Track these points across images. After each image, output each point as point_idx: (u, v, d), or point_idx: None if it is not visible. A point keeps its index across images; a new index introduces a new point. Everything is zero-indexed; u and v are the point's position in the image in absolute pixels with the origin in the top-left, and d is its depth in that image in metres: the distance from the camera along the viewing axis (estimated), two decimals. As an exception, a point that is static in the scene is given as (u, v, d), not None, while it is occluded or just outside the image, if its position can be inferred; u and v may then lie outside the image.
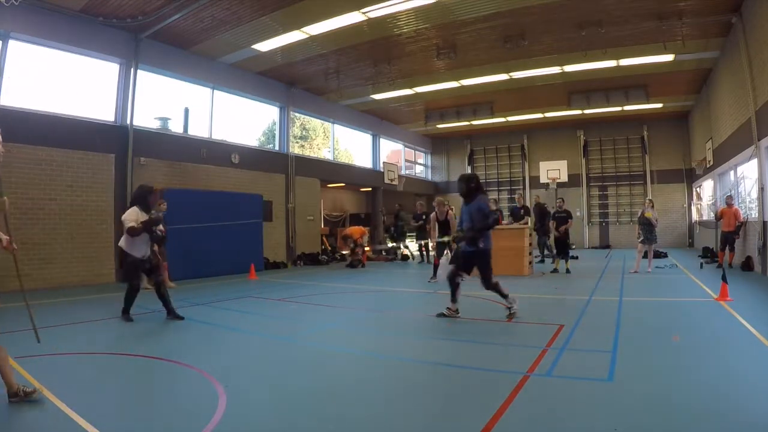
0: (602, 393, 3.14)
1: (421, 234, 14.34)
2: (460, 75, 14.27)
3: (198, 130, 12.70)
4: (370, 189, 19.84)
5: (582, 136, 20.73)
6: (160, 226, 5.95)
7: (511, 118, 19.50)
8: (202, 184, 12.05)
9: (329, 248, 16.62)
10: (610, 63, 13.03)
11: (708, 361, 3.81)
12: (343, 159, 19.80)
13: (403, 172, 21.03)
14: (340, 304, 7.37)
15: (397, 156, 22.88)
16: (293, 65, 13.29)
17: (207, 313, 6.51)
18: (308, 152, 19.81)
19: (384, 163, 19.47)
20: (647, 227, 10.11)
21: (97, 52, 10.12)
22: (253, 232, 12.52)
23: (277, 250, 14.20)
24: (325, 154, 20.51)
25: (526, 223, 11.12)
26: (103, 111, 10.44)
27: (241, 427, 2.71)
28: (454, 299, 5.75)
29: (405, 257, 15.60)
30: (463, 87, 15.38)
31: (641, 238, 10.23)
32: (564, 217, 10.66)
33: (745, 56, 9.78)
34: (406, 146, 22.57)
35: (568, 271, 10.50)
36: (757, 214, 10.02)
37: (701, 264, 11.17)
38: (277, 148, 15.13)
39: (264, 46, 11.66)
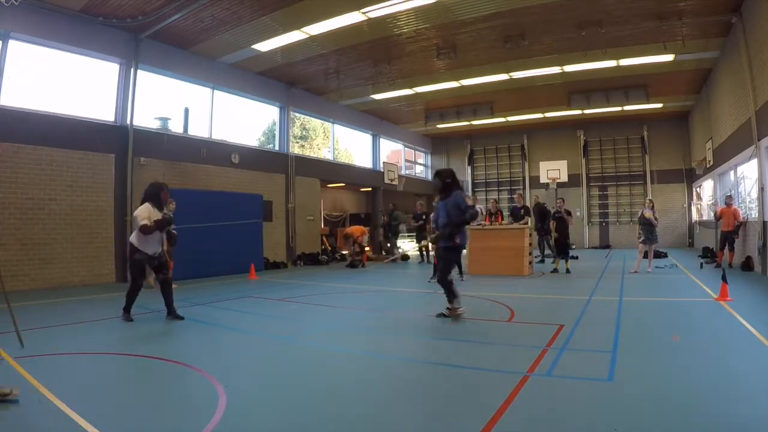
0: (602, 393, 3.14)
1: (421, 234, 14.35)
2: (460, 75, 14.28)
3: (198, 130, 12.71)
4: (370, 189, 19.84)
5: (582, 136, 20.74)
6: (173, 228, 5.91)
7: (511, 118, 19.50)
8: (202, 184, 12.05)
9: (329, 248, 16.62)
10: (610, 63, 13.03)
11: (708, 361, 3.80)
12: (343, 159, 19.80)
13: (403, 172, 21.03)
14: (340, 304, 7.37)
15: (397, 156, 22.88)
16: (293, 65, 13.30)
17: (207, 313, 6.51)
18: (308, 152, 19.80)
19: (384, 163, 19.48)
20: (648, 227, 10.11)
21: (97, 52, 10.13)
22: (253, 232, 12.52)
23: (277, 250, 14.20)
24: (325, 154, 20.50)
25: (526, 223, 11.11)
26: (103, 111, 10.44)
27: (241, 427, 2.71)
28: (450, 300, 5.73)
29: (405, 257, 15.60)
30: (463, 87, 15.38)
31: (642, 238, 10.23)
32: (561, 217, 10.66)
33: (745, 56, 9.78)
34: (406, 146, 22.57)
35: (568, 271, 10.50)
36: (757, 214, 10.02)
37: (701, 264, 11.17)
38: (277, 148, 15.13)
39: (264, 46, 11.66)
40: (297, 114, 16.64)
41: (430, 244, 13.32)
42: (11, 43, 8.90)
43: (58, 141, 9.36)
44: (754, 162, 9.96)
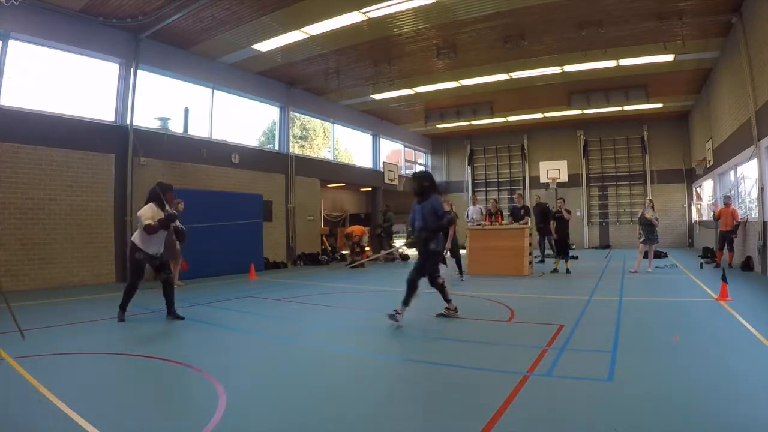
0: (602, 393, 3.14)
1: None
2: (460, 75, 14.28)
3: (198, 130, 12.71)
4: (370, 189, 19.85)
5: (582, 136, 20.74)
6: (178, 223, 5.88)
7: (511, 118, 19.50)
8: (202, 184, 12.05)
9: (329, 248, 16.62)
10: (610, 63, 13.03)
11: (708, 361, 3.80)
12: (343, 159, 19.80)
13: (403, 172, 21.03)
14: (340, 304, 7.37)
15: (397, 156, 22.88)
16: (293, 65, 13.29)
17: (207, 313, 6.51)
18: (308, 152, 19.81)
19: (384, 163, 19.49)
20: (648, 227, 10.11)
21: (97, 52, 10.13)
22: (253, 232, 12.52)
23: (277, 250, 14.20)
24: (325, 154, 20.51)
25: (526, 223, 11.11)
26: (103, 111, 10.44)
27: (241, 427, 2.70)
28: (446, 299, 5.72)
29: (405, 257, 15.59)
30: (463, 87, 15.38)
31: (642, 239, 10.23)
32: (561, 217, 10.66)
33: (745, 56, 9.78)
34: (406, 146, 22.57)
35: (568, 271, 10.50)
36: (757, 214, 10.02)
37: (701, 264, 11.17)
38: (277, 148, 15.13)
39: (264, 46, 11.66)
40: (297, 114, 16.64)
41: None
42: (11, 43, 8.90)
43: (58, 141, 9.36)
44: (754, 162, 9.96)
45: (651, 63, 12.99)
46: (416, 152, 23.55)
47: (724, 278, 6.66)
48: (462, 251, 10.26)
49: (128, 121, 10.49)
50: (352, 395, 3.28)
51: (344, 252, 15.31)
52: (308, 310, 6.84)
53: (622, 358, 3.90)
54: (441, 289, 5.64)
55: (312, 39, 11.28)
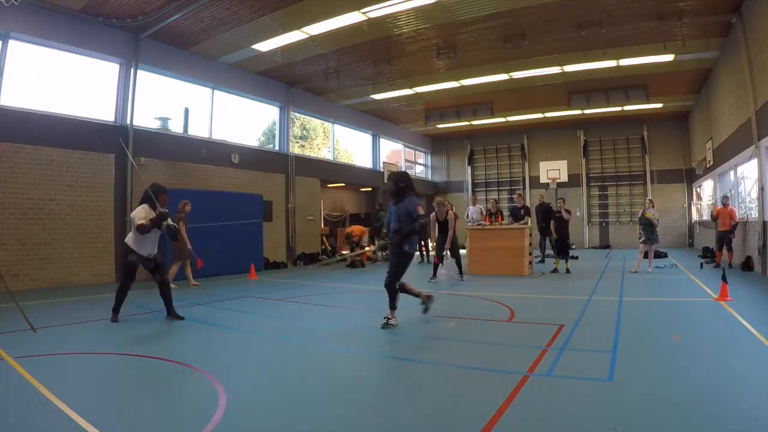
0: (602, 393, 3.14)
1: (421, 234, 14.31)
2: (460, 75, 14.28)
3: (198, 130, 12.71)
4: (370, 189, 19.84)
5: (582, 136, 20.74)
6: (170, 221, 5.86)
7: (511, 118, 19.50)
8: (202, 184, 12.05)
9: (329, 248, 16.62)
10: (610, 63, 13.03)
11: (708, 361, 3.80)
12: (343, 159, 19.80)
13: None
14: (340, 304, 7.37)
15: (397, 156, 22.89)
16: (293, 65, 13.29)
17: (207, 313, 6.51)
18: (308, 152, 19.80)
19: (384, 163, 19.48)
20: (648, 227, 10.12)
21: (97, 52, 10.13)
22: (253, 232, 12.52)
23: (277, 250, 14.20)
24: (325, 154, 20.50)
25: (526, 223, 11.11)
26: (103, 111, 10.44)
27: (241, 427, 2.71)
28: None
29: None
30: (463, 87, 15.38)
31: (642, 239, 10.23)
32: (561, 217, 10.67)
33: (745, 56, 9.78)
34: (406, 146, 22.57)
35: (568, 271, 10.50)
36: (757, 214, 10.02)
37: (701, 264, 11.17)
38: (277, 148, 15.13)
39: (264, 46, 11.66)
40: (297, 114, 16.64)
41: (430, 244, 13.36)
42: (11, 43, 8.90)
43: (58, 141, 9.36)
44: (754, 162, 9.96)
45: (651, 63, 12.99)
46: (416, 152, 23.55)
47: (724, 278, 6.66)
48: (462, 251, 10.26)
49: (128, 121, 10.50)
50: (352, 395, 3.27)
51: (344, 252, 15.27)
52: (308, 310, 6.84)
53: (622, 358, 3.90)
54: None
55: (312, 39, 11.28)
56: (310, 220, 15.75)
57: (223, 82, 13.00)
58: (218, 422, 2.70)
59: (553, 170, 19.27)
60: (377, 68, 13.38)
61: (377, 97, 16.35)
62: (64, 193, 9.42)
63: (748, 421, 2.61)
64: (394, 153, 22.95)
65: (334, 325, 5.86)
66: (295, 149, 16.84)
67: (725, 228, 10.61)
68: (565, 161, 19.60)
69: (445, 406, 3.01)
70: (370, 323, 5.51)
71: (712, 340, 4.51)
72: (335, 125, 18.23)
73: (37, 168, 9.05)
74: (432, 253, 11.66)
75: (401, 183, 5.44)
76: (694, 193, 18.40)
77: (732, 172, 12.58)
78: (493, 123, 19.89)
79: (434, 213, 9.71)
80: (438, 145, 23.93)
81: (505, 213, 14.26)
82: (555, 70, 13.66)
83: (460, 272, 9.62)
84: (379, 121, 19.84)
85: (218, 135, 13.05)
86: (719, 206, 11.13)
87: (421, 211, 5.30)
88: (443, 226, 9.52)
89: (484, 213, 12.53)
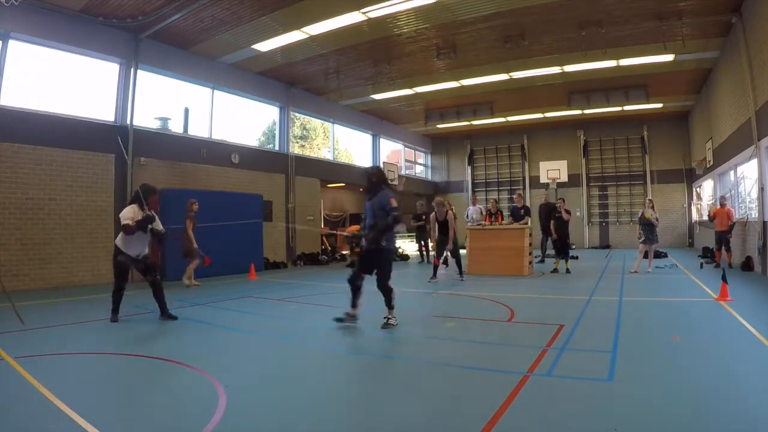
0: (602, 393, 3.14)
1: (421, 234, 14.34)
2: (460, 75, 14.28)
3: (198, 130, 12.71)
4: (370, 189, 19.78)
5: (582, 136, 20.74)
6: (158, 225, 5.83)
7: (511, 118, 19.51)
8: (202, 184, 12.05)
9: (329, 248, 16.61)
10: (610, 63, 13.03)
11: (708, 361, 3.80)
12: (343, 159, 19.81)
13: (403, 172, 21.02)
14: (340, 304, 7.33)
15: (397, 156, 22.89)
16: (293, 65, 13.29)
17: (207, 313, 6.51)
18: (308, 152, 19.82)
19: (384, 163, 19.46)
20: (648, 227, 10.11)
21: (97, 52, 10.13)
22: (253, 232, 12.52)
23: (277, 250, 14.20)
24: (325, 154, 20.52)
25: (526, 223, 11.11)
26: (103, 111, 10.44)
27: (241, 427, 2.70)
28: (354, 304, 5.41)
29: (404, 257, 15.59)
30: (463, 87, 15.38)
31: (642, 239, 10.23)
32: (560, 217, 10.67)
33: (745, 56, 9.78)
34: (406, 146, 22.57)
35: (568, 271, 10.50)
36: (757, 214, 10.02)
37: (701, 264, 11.17)
38: (277, 148, 15.13)
39: (264, 46, 11.66)
40: (297, 114, 16.65)
41: (430, 244, 13.35)
42: (11, 43, 8.90)
43: (58, 141, 9.36)
44: (754, 162, 9.96)
45: (651, 63, 12.99)
46: (416, 152, 23.56)
47: (724, 278, 6.66)
48: (462, 251, 10.26)
49: (128, 121, 10.49)
50: (352, 395, 3.28)
51: (344, 252, 15.28)
52: (308, 310, 6.84)
53: (622, 358, 3.90)
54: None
55: (312, 39, 11.28)
56: (310, 220, 15.75)
57: (223, 82, 13.00)
58: (218, 422, 2.70)
59: (553, 170, 19.27)
60: (377, 68, 13.38)
61: (377, 97, 16.35)
62: (63, 193, 9.42)
63: (748, 421, 2.61)
64: (394, 153, 22.95)
65: (334, 325, 5.86)
66: (295, 149, 16.85)
67: (723, 228, 10.63)
68: (565, 161, 19.58)
69: (445, 406, 3.01)
70: (369, 323, 5.51)
71: (712, 340, 4.51)
72: (335, 125, 18.23)
73: (37, 168, 9.05)
74: (432, 254, 11.65)
75: (373, 178, 5.39)
76: (694, 193, 18.40)
77: (732, 172, 12.58)
78: (493, 123, 19.89)
79: (434, 213, 9.71)
80: (438, 145, 23.93)
81: (505, 213, 14.27)
82: (555, 70, 13.66)
83: (460, 272, 9.62)
84: (379, 121, 19.84)
85: (218, 135, 13.05)
86: (717, 206, 11.15)
87: (395, 204, 5.17)
88: (443, 226, 9.52)
89: (484, 213, 12.52)
